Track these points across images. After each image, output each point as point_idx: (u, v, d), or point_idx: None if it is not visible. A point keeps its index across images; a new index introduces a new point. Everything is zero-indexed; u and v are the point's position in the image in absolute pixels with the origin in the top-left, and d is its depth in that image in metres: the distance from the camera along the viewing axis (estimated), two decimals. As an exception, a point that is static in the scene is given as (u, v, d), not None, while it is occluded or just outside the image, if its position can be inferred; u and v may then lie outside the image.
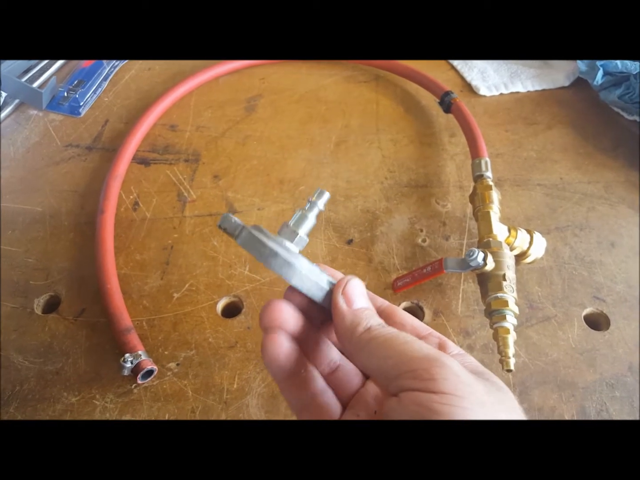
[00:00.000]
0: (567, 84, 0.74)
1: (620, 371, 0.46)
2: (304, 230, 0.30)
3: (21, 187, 0.60)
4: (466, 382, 0.22)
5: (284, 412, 0.43)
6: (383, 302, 0.31)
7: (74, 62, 0.78)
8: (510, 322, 0.43)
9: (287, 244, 0.29)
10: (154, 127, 0.67)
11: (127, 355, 0.43)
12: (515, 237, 0.49)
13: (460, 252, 0.54)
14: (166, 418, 0.43)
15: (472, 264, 0.44)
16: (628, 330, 0.48)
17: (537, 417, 0.43)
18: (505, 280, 0.44)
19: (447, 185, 0.61)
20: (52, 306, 0.50)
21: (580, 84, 0.73)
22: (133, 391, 0.44)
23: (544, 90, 0.73)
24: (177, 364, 0.46)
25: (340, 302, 0.27)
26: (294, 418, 0.31)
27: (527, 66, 0.76)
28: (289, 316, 0.28)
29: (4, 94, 0.69)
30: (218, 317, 0.49)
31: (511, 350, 0.42)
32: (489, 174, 0.55)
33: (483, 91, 0.73)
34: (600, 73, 0.67)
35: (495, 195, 0.52)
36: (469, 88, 0.74)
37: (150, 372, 0.44)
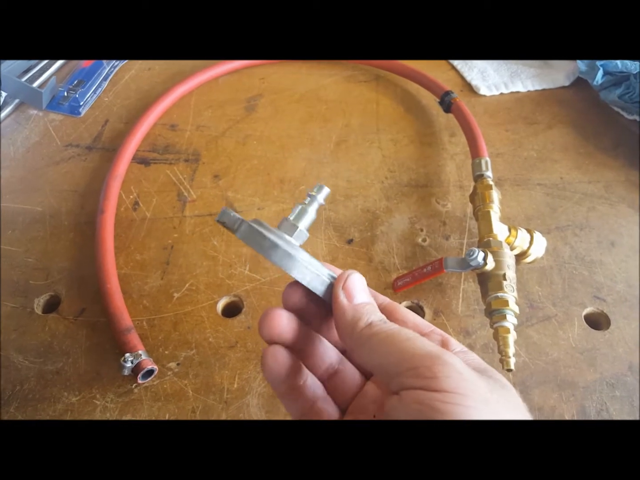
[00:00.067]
0: (567, 83, 0.74)
1: (621, 371, 0.46)
2: (304, 224, 0.29)
3: (21, 187, 0.60)
4: (469, 380, 0.22)
5: (284, 412, 0.43)
6: (384, 299, 0.31)
7: (74, 62, 0.78)
8: (510, 321, 0.43)
9: (287, 237, 0.29)
10: (154, 127, 0.67)
11: (127, 355, 0.43)
12: (516, 237, 0.49)
13: (461, 252, 0.54)
14: (166, 418, 0.43)
15: (472, 263, 0.44)
16: (628, 329, 0.48)
17: (537, 416, 0.43)
18: (505, 279, 0.44)
19: (447, 185, 0.61)
20: (52, 306, 0.50)
21: (580, 83, 0.73)
22: (133, 391, 0.44)
23: (544, 89, 0.73)
24: (178, 364, 0.46)
25: (341, 296, 0.27)
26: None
27: (527, 66, 0.76)
28: (287, 325, 0.28)
29: (4, 94, 0.69)
30: (218, 316, 0.49)
31: (511, 350, 0.42)
32: (489, 173, 0.55)
33: (483, 91, 0.73)
34: (600, 73, 0.67)
35: (495, 194, 0.52)
36: (469, 88, 0.74)
37: (150, 372, 0.44)
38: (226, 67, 0.74)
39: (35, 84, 0.72)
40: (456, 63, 0.78)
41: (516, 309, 0.44)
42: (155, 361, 0.45)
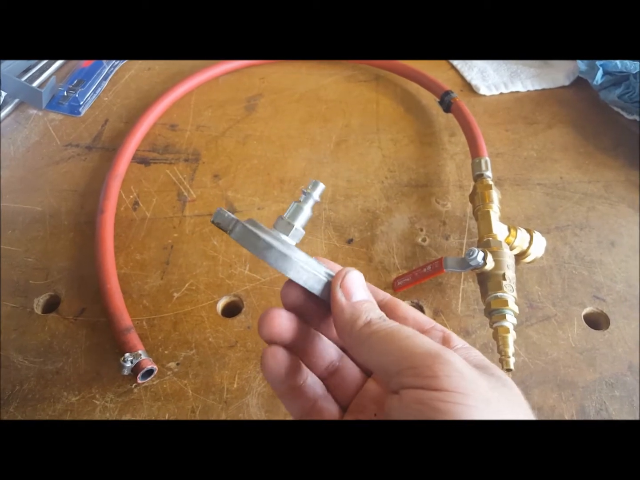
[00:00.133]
0: (567, 83, 0.74)
1: (620, 370, 0.46)
2: (299, 222, 0.29)
3: (21, 187, 0.60)
4: (469, 379, 0.21)
5: (284, 412, 0.43)
6: (385, 296, 0.30)
7: (73, 62, 0.78)
8: (510, 321, 0.43)
9: (283, 236, 0.28)
10: (154, 127, 0.67)
11: (127, 354, 0.43)
12: (515, 237, 0.49)
13: (460, 252, 0.54)
14: (166, 418, 0.43)
15: (472, 263, 0.44)
16: (628, 329, 0.48)
17: (536, 416, 0.43)
18: (505, 279, 0.44)
19: (447, 185, 0.61)
20: (52, 306, 0.50)
21: (580, 83, 0.73)
22: (133, 391, 0.44)
23: (544, 89, 0.73)
24: (177, 364, 0.46)
25: (339, 295, 0.27)
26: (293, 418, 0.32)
27: (527, 66, 0.76)
28: (286, 325, 0.28)
29: (3, 94, 0.69)
30: (218, 316, 0.49)
31: (511, 350, 0.42)
32: (489, 173, 0.55)
33: (483, 90, 0.73)
34: (600, 72, 0.67)
35: (495, 194, 0.52)
36: (469, 87, 0.74)
37: (150, 372, 0.44)
38: (226, 66, 0.74)
39: (35, 84, 0.72)
40: (456, 63, 0.77)
41: (516, 308, 0.44)
42: (155, 361, 0.45)
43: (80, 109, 0.70)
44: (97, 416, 0.43)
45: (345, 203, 0.59)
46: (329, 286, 0.27)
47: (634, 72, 0.64)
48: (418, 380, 0.22)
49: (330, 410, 0.29)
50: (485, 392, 0.21)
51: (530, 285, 0.51)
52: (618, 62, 0.65)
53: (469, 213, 0.57)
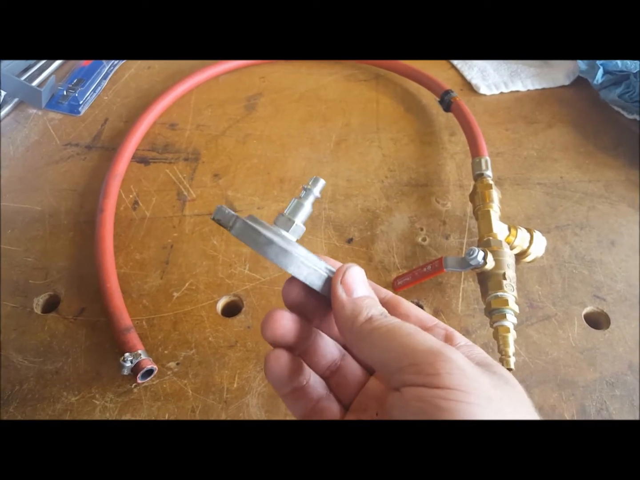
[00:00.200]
0: (567, 82, 0.74)
1: (621, 370, 0.46)
2: (300, 218, 0.29)
3: (20, 186, 0.60)
4: (471, 377, 0.21)
5: (284, 412, 0.43)
6: (387, 293, 0.30)
7: (73, 61, 0.78)
8: (510, 320, 0.43)
9: (283, 232, 0.28)
10: (154, 126, 0.67)
11: (126, 354, 0.43)
12: (516, 236, 0.48)
13: (461, 251, 0.54)
14: (166, 417, 0.43)
15: (472, 262, 0.44)
16: (628, 329, 0.48)
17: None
18: (505, 279, 0.44)
19: (447, 184, 0.61)
20: (51, 305, 0.50)
21: (580, 82, 0.73)
22: (133, 390, 0.44)
23: (544, 89, 0.73)
24: (177, 363, 0.46)
25: (340, 290, 0.26)
26: (294, 417, 0.31)
27: (527, 65, 0.76)
28: (289, 326, 0.28)
29: (3, 93, 0.69)
30: (218, 316, 0.49)
31: (511, 349, 0.42)
32: (489, 172, 0.55)
33: (483, 90, 0.72)
34: (600, 72, 0.67)
35: (495, 194, 0.52)
36: (469, 87, 0.74)
37: (150, 372, 0.44)
38: (226, 66, 0.74)
39: (35, 83, 0.72)
40: (456, 62, 0.77)
41: (516, 308, 0.44)
42: (155, 361, 0.45)
43: (80, 108, 0.69)
44: (96, 416, 0.43)
45: (345, 202, 0.59)
46: (329, 282, 0.27)
47: (634, 72, 0.64)
48: (420, 378, 0.21)
49: (332, 409, 0.29)
50: (487, 390, 0.21)
51: (530, 285, 0.51)
52: (618, 61, 0.65)
53: (469, 212, 0.57)
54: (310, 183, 0.30)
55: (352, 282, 0.27)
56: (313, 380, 0.29)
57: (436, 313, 0.49)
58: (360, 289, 0.27)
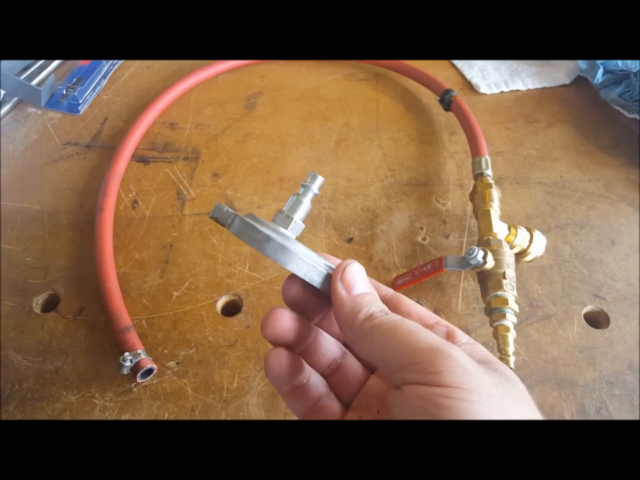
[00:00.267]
0: (567, 82, 0.74)
1: (620, 369, 0.46)
2: (299, 215, 0.29)
3: (20, 186, 0.60)
4: (473, 375, 0.21)
5: (284, 411, 0.43)
6: (388, 291, 0.30)
7: (72, 60, 0.77)
8: (510, 320, 0.43)
9: (282, 230, 0.28)
10: (154, 125, 0.67)
11: (126, 354, 0.43)
12: (515, 236, 0.48)
13: (461, 251, 0.54)
14: (166, 417, 0.43)
15: (472, 262, 0.44)
16: (628, 328, 0.48)
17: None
18: (505, 278, 0.44)
19: (447, 184, 0.61)
20: (51, 305, 0.50)
21: (580, 82, 0.73)
22: (132, 390, 0.44)
23: (544, 88, 0.73)
24: (177, 363, 0.46)
25: (339, 287, 0.26)
26: (294, 417, 0.31)
27: (528, 64, 0.76)
28: (289, 324, 0.28)
29: (2, 92, 0.69)
30: (218, 315, 0.49)
31: (511, 349, 0.42)
32: (489, 172, 0.55)
33: (483, 89, 0.72)
34: (600, 71, 0.67)
35: (495, 193, 0.52)
36: (469, 86, 0.74)
37: (149, 371, 0.44)
38: (226, 65, 0.74)
39: (34, 82, 0.72)
40: (456, 61, 0.77)
41: (516, 307, 0.44)
42: (155, 360, 0.45)
43: (80, 108, 0.69)
44: (96, 415, 0.43)
45: (345, 202, 0.59)
46: (329, 279, 0.27)
47: (635, 71, 0.63)
48: (420, 376, 0.21)
49: (332, 408, 0.29)
50: (488, 388, 0.21)
51: (530, 284, 0.51)
52: (618, 60, 0.65)
53: (469, 212, 0.57)
54: (308, 180, 0.29)
55: (351, 278, 0.26)
56: (313, 379, 0.29)
57: (436, 312, 0.49)
58: (360, 285, 0.26)
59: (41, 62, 0.75)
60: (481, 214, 0.51)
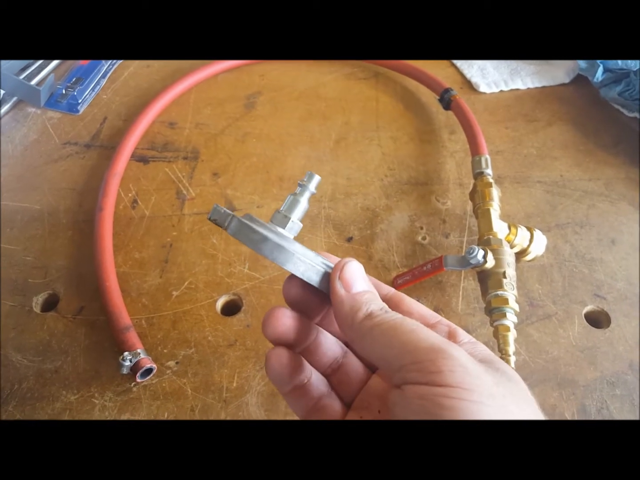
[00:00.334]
0: (567, 80, 0.73)
1: (621, 369, 0.45)
2: (296, 215, 0.29)
3: (19, 185, 0.60)
4: (474, 374, 0.21)
5: (284, 411, 0.43)
6: (389, 290, 0.30)
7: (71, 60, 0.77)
8: (510, 319, 0.43)
9: (280, 229, 0.28)
10: (153, 125, 0.67)
11: (126, 353, 0.43)
12: (516, 235, 0.48)
13: (461, 250, 0.54)
14: (165, 416, 0.43)
15: (472, 261, 0.44)
16: (629, 327, 0.48)
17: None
18: (505, 277, 0.44)
19: (447, 183, 0.61)
20: (50, 304, 0.50)
21: (580, 80, 0.73)
22: (132, 389, 0.44)
23: (544, 87, 0.73)
24: (177, 362, 0.46)
25: (338, 286, 0.26)
26: (293, 417, 0.31)
27: (527, 63, 0.76)
28: (290, 324, 0.27)
29: (2, 92, 0.69)
30: (217, 315, 0.49)
31: (511, 348, 0.42)
32: (489, 171, 0.55)
33: (483, 88, 0.72)
34: (600, 70, 0.67)
35: (495, 192, 0.52)
36: (468, 85, 0.74)
37: (149, 371, 0.44)
38: (225, 64, 0.74)
39: (34, 82, 0.72)
40: (456, 60, 0.77)
41: (516, 307, 0.44)
42: (154, 360, 0.45)
43: (79, 107, 0.69)
44: (96, 415, 0.43)
45: (345, 201, 0.59)
46: (328, 278, 0.27)
47: (635, 70, 0.63)
48: (421, 376, 0.21)
49: (333, 407, 0.29)
50: (490, 388, 0.21)
51: (530, 284, 0.51)
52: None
53: (469, 211, 0.57)
54: (305, 179, 0.29)
55: (350, 277, 0.26)
56: (314, 378, 0.29)
57: (436, 312, 0.48)
58: (359, 284, 0.26)
59: (40, 61, 0.75)
60: (481, 213, 0.51)
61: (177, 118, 0.68)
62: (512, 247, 0.48)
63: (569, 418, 0.43)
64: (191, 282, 0.51)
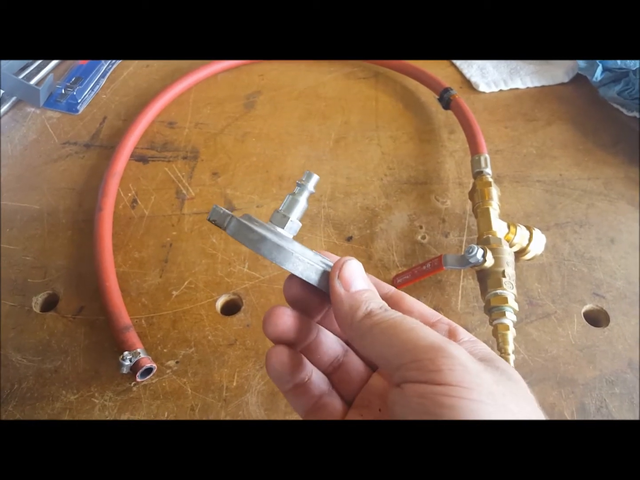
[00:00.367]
0: (566, 80, 0.73)
1: (620, 368, 0.46)
2: (295, 214, 0.29)
3: (19, 185, 0.60)
4: (474, 373, 0.21)
5: (284, 410, 0.43)
6: (390, 289, 0.30)
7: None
8: (509, 318, 0.43)
9: (279, 229, 0.28)
10: (153, 124, 0.67)
11: (125, 353, 0.43)
12: (515, 234, 0.48)
13: (460, 249, 0.54)
14: (165, 416, 0.43)
15: (472, 260, 0.44)
16: (628, 326, 0.48)
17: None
18: (504, 276, 0.44)
19: (447, 182, 0.61)
20: (50, 304, 0.50)
21: (579, 80, 0.73)
22: (132, 389, 0.44)
23: (543, 86, 0.73)
24: (176, 362, 0.46)
25: (337, 285, 0.26)
26: (293, 416, 0.31)
27: (527, 63, 0.76)
28: (291, 322, 0.27)
29: (1, 91, 0.69)
30: (217, 314, 0.49)
31: (511, 347, 0.42)
32: (488, 170, 0.55)
33: (482, 87, 0.72)
34: (599, 69, 0.67)
35: (494, 191, 0.52)
36: (468, 84, 0.74)
37: (149, 370, 0.44)
38: (225, 64, 0.74)
39: (33, 82, 0.72)
40: (455, 60, 0.77)
41: (515, 306, 0.44)
42: (154, 359, 0.45)
43: (78, 107, 0.69)
44: (96, 415, 0.43)
45: (345, 200, 0.59)
46: (327, 277, 0.27)
47: (634, 69, 0.63)
48: (421, 374, 0.21)
49: (334, 406, 0.29)
50: (489, 386, 0.21)
51: (530, 283, 0.51)
52: (618, 58, 0.65)
53: (468, 210, 0.57)
54: (303, 178, 0.29)
55: (349, 276, 0.26)
56: (315, 377, 0.29)
57: (435, 311, 0.49)
58: (358, 282, 0.26)
59: (39, 61, 0.75)
60: (480, 213, 0.51)
61: (177, 118, 0.68)
62: (511, 246, 0.48)
63: (568, 417, 0.43)
64: (191, 281, 0.51)
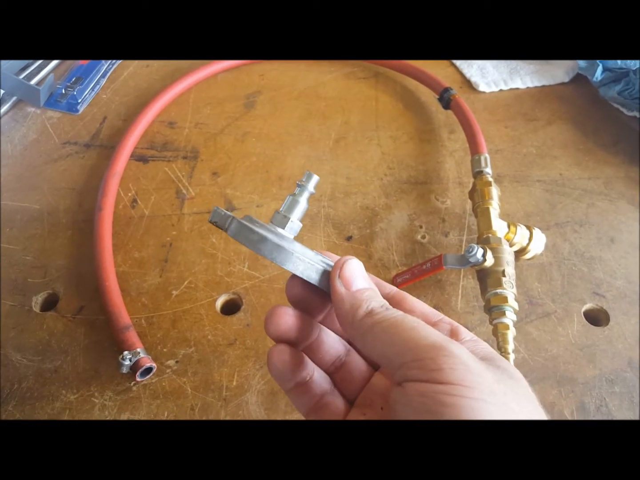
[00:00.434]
0: (566, 80, 0.73)
1: (620, 367, 0.46)
2: (296, 215, 0.29)
3: (19, 185, 0.60)
4: (475, 372, 0.21)
5: (284, 409, 0.43)
6: (392, 289, 0.30)
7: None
8: (509, 318, 0.43)
9: (279, 230, 0.28)
10: (153, 124, 0.67)
11: (125, 352, 0.43)
12: (515, 233, 0.48)
13: (460, 249, 0.54)
14: (165, 415, 0.43)
15: (472, 260, 0.44)
16: (628, 325, 0.48)
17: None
18: (504, 276, 0.44)
19: (447, 182, 0.61)
20: (50, 304, 0.50)
21: (579, 80, 0.73)
22: (132, 389, 0.44)
23: (543, 86, 0.73)
24: (176, 362, 0.46)
25: (338, 284, 0.26)
26: (293, 415, 0.31)
27: (527, 62, 0.76)
28: (292, 322, 0.28)
29: (1, 91, 0.69)
30: (217, 314, 0.49)
31: (511, 346, 0.42)
32: (488, 170, 0.55)
33: (482, 87, 0.72)
34: (599, 69, 0.67)
35: (494, 191, 0.52)
36: (468, 84, 0.74)
37: (149, 370, 0.44)
38: (225, 64, 0.74)
39: (33, 82, 0.72)
40: (455, 60, 0.77)
41: (515, 305, 0.44)
42: (154, 359, 0.45)
43: (78, 107, 0.69)
44: (95, 414, 0.43)
45: (345, 200, 0.59)
46: (328, 276, 0.27)
47: (634, 69, 0.63)
48: (422, 373, 0.21)
49: (336, 405, 0.29)
50: (491, 385, 0.21)
51: (530, 282, 0.51)
52: (618, 58, 0.65)
53: (468, 210, 0.57)
54: (304, 179, 0.30)
55: (350, 275, 0.26)
56: (317, 376, 0.29)
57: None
58: (359, 281, 0.26)
59: (40, 61, 0.75)
60: (480, 212, 0.51)
61: (177, 118, 0.68)
62: (511, 245, 0.48)
63: (568, 416, 0.43)
64: (191, 281, 0.51)
